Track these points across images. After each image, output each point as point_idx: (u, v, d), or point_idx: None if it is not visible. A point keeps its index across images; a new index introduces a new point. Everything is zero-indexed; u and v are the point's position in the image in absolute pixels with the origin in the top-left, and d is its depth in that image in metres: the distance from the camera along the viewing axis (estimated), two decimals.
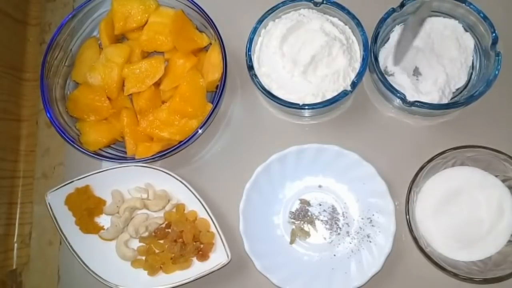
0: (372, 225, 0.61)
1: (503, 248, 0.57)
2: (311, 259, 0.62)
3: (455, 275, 0.55)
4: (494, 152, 0.56)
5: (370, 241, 0.61)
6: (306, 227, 0.63)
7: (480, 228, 0.58)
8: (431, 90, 0.60)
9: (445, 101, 0.60)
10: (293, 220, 0.64)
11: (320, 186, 0.64)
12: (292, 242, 0.63)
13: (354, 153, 0.61)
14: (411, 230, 0.56)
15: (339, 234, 0.63)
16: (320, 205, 0.64)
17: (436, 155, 0.57)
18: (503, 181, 0.59)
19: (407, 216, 0.57)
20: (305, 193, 0.64)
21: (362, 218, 0.62)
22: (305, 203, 0.64)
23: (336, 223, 0.63)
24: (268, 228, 0.63)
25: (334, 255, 0.62)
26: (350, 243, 0.62)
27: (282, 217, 0.64)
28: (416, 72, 0.62)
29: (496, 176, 0.59)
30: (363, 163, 0.61)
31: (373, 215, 0.62)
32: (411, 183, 0.57)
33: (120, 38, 0.68)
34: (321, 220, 0.63)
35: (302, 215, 0.63)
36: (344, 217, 0.63)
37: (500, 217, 0.58)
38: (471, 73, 0.63)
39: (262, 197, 0.63)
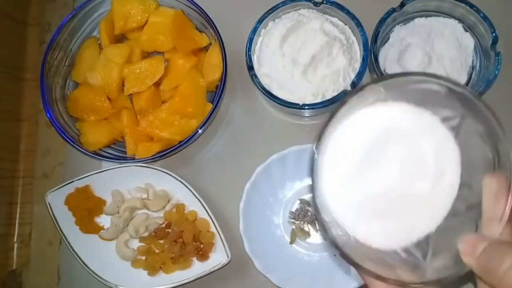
0: None
1: (443, 223, 0.35)
2: (311, 259, 0.62)
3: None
4: (433, 78, 0.34)
5: None
6: (306, 227, 0.63)
7: (411, 195, 0.36)
8: None
9: None
10: (293, 220, 0.63)
11: None
12: (292, 242, 0.63)
13: None
14: (316, 210, 0.35)
15: None
16: None
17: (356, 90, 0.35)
18: (444, 120, 0.36)
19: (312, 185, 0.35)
20: (305, 193, 0.64)
21: None
22: (305, 203, 0.64)
23: None
24: (268, 228, 0.63)
25: (334, 255, 0.62)
26: None
27: (282, 217, 0.64)
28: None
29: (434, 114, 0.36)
30: None
31: None
32: (317, 137, 0.34)
33: (120, 38, 0.68)
34: None
35: (302, 215, 0.63)
36: None
37: (439, 177, 0.36)
38: (471, 73, 0.63)
39: (262, 197, 0.63)
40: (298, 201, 0.64)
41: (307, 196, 0.64)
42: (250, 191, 0.61)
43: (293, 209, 0.64)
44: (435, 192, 0.36)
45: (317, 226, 0.63)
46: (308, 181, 0.62)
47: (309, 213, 0.64)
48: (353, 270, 0.59)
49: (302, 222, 0.63)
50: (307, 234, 0.63)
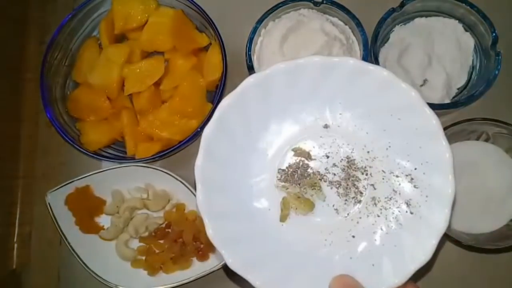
0: (415, 186, 0.40)
1: (497, 229, 0.57)
2: (316, 245, 0.41)
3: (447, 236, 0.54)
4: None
5: (412, 213, 0.39)
6: (308, 193, 0.42)
7: (480, 205, 0.57)
8: (434, 91, 0.60)
9: (446, 101, 0.60)
10: (284, 183, 0.42)
11: (326, 126, 0.43)
12: (283, 218, 0.42)
13: (382, 69, 0.39)
14: None
15: (359, 202, 0.42)
16: (328, 156, 0.42)
17: (462, 120, 0.57)
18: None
19: None
20: (303, 138, 0.43)
21: (397, 176, 0.40)
22: (302, 154, 0.42)
23: (354, 184, 0.42)
24: (244, 198, 0.42)
25: (353, 237, 0.41)
26: (378, 216, 0.40)
27: (268, 179, 0.43)
28: (425, 82, 0.62)
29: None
30: (397, 85, 0.38)
31: (415, 169, 0.40)
32: None
33: (120, 38, 0.68)
34: (330, 182, 0.42)
35: (299, 174, 0.42)
36: (366, 174, 0.42)
37: (504, 199, 0.57)
38: (471, 73, 0.63)
39: (232, 149, 0.41)
40: (291, 152, 0.43)
41: (306, 143, 0.42)
42: (211, 140, 0.40)
43: (284, 166, 0.42)
44: (498, 209, 0.56)
45: (323, 192, 0.42)
46: (305, 118, 0.43)
47: (311, 171, 0.42)
48: (384, 260, 0.39)
49: (299, 186, 0.42)
50: (310, 205, 0.42)
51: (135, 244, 0.64)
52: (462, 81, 0.62)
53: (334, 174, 0.43)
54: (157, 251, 0.63)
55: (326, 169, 0.43)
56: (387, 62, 0.63)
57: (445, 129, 0.55)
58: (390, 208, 0.41)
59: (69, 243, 0.62)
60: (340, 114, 0.43)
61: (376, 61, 0.59)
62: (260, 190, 0.43)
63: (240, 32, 0.64)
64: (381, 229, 0.40)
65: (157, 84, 0.64)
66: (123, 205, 0.64)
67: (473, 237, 0.57)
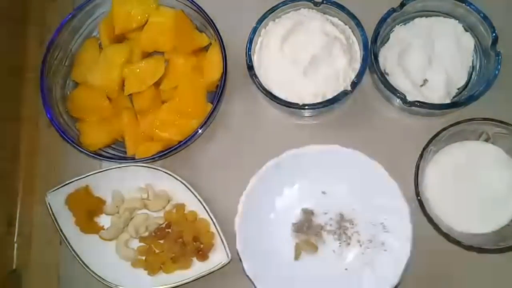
0: (386, 231, 0.57)
1: (497, 229, 0.58)
2: (320, 275, 0.58)
3: (446, 236, 0.56)
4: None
5: (385, 250, 0.57)
6: (313, 239, 0.59)
7: (480, 205, 0.58)
8: (434, 91, 0.60)
9: (446, 101, 0.60)
10: (296, 233, 0.60)
11: (324, 192, 0.61)
12: (296, 257, 0.59)
13: (358, 152, 0.57)
14: (417, 193, 0.56)
15: (349, 244, 0.59)
16: (326, 213, 0.60)
17: (462, 120, 0.57)
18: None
19: (416, 173, 0.57)
20: (308, 201, 0.61)
21: (374, 224, 0.58)
22: (308, 213, 0.60)
23: (344, 232, 0.59)
24: (268, 243, 0.59)
25: (346, 269, 0.58)
26: (363, 253, 0.58)
27: (284, 230, 0.60)
28: (425, 82, 0.62)
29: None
30: (369, 162, 0.57)
31: (385, 219, 0.57)
32: (430, 139, 0.57)
33: (120, 38, 0.68)
34: (328, 231, 0.59)
35: (307, 226, 0.59)
36: (353, 224, 0.59)
37: (504, 199, 0.58)
38: (471, 73, 0.63)
39: (259, 209, 0.59)
40: (300, 211, 0.60)
41: (310, 204, 0.60)
42: (246, 204, 0.57)
43: (296, 220, 0.60)
44: (500, 209, 0.58)
45: (323, 238, 0.60)
46: (308, 187, 0.61)
47: (314, 224, 0.60)
48: (367, 286, 0.56)
49: (307, 234, 0.59)
50: (314, 247, 0.59)
51: (135, 244, 0.64)
52: (462, 81, 0.62)
53: (331, 225, 0.60)
54: (157, 251, 0.63)
55: (325, 222, 0.60)
56: (387, 62, 0.63)
57: (445, 129, 0.56)
58: (370, 248, 0.58)
59: (69, 243, 0.62)
60: (335, 185, 0.60)
61: (376, 61, 0.60)
62: (280, 237, 0.60)
63: (240, 32, 0.64)
64: (365, 263, 0.57)
65: (157, 84, 0.64)
66: (123, 205, 0.64)
67: (473, 237, 0.57)
